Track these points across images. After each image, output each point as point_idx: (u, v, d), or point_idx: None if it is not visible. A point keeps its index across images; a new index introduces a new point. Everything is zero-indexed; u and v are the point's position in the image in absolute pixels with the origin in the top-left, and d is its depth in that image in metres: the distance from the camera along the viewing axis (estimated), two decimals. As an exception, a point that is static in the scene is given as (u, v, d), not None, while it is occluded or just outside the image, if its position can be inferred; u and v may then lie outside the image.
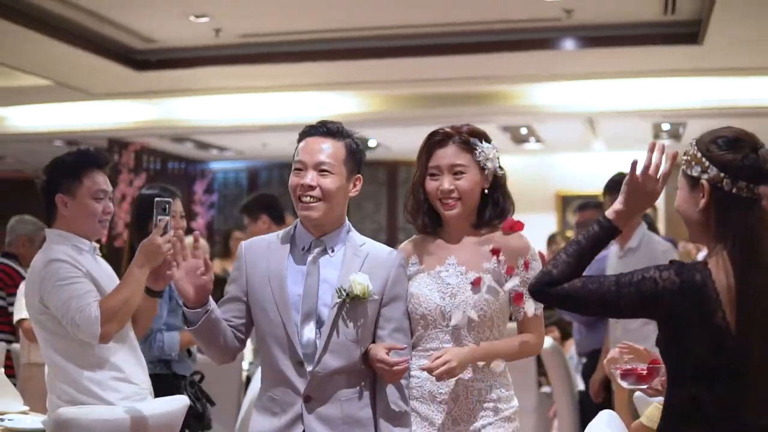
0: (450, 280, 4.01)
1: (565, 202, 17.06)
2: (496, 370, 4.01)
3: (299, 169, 3.90)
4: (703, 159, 3.11)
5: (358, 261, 3.93)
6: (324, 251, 3.94)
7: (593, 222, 3.41)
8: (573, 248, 3.28)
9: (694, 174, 3.15)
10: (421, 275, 4.08)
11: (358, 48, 11.45)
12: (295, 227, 4.03)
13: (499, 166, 4.12)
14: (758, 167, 3.10)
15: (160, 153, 18.14)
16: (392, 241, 17.81)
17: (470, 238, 4.13)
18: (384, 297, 3.94)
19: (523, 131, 15.72)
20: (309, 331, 3.86)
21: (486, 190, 4.10)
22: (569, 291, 3.26)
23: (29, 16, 9.98)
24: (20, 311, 7.03)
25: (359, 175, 4.02)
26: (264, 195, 8.75)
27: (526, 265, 4.02)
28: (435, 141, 4.08)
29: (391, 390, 3.92)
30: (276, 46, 11.62)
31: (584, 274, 3.19)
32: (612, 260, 7.00)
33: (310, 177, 3.86)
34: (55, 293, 4.60)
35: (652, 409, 4.41)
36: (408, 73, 12.45)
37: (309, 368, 3.84)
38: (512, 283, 4.00)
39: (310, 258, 3.92)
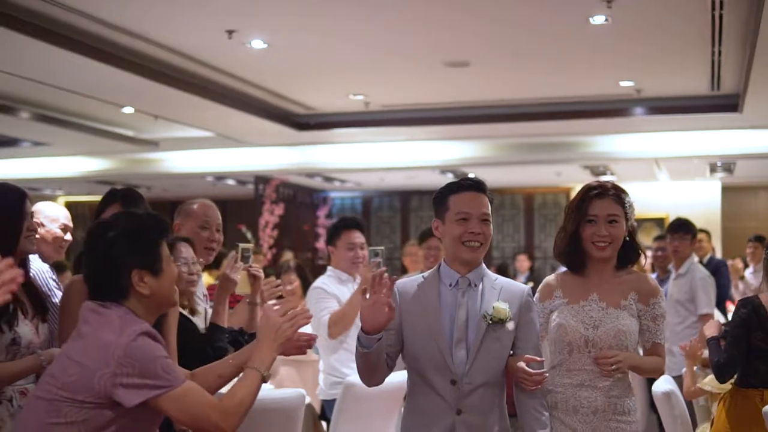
0: (593, 314, 4.46)
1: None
2: (625, 386, 4.51)
3: (465, 219, 4.24)
4: None
5: (496, 292, 4.25)
6: (469, 285, 4.26)
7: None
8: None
9: None
10: (566, 307, 4.52)
11: (470, 115, 14.04)
12: (439, 267, 4.37)
13: (634, 219, 4.57)
14: None
15: (293, 185, 20.62)
16: (530, 258, 20.26)
17: (610, 278, 4.55)
18: (519, 321, 4.26)
19: (601, 168, 17.90)
20: (461, 353, 4.17)
21: (626, 238, 4.53)
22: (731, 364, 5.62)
23: (213, 92, 12.51)
24: None
25: None
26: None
27: (656, 305, 4.54)
28: (593, 193, 4.52)
29: (532, 400, 4.29)
30: (406, 113, 14.26)
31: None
32: (670, 283, 9.12)
33: (476, 225, 4.24)
34: (313, 307, 6.86)
35: (710, 378, 6.41)
36: (509, 132, 15.02)
37: (460, 385, 4.15)
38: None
39: (458, 292, 4.25)
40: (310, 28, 9.72)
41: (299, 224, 21.05)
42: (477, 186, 4.31)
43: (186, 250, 4.99)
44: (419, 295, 4.28)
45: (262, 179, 19.17)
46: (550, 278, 4.74)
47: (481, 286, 4.27)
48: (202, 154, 17.99)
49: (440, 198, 4.33)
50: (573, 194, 20.69)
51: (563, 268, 4.83)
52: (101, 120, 15.16)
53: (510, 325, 4.20)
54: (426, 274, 4.41)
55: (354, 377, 5.94)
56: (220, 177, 19.64)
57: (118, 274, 3.42)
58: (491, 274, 4.36)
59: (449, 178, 18.64)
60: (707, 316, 8.72)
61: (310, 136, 15.54)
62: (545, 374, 4.18)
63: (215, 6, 8.94)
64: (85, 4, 8.95)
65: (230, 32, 9.65)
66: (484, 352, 4.16)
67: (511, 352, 4.27)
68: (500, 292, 4.25)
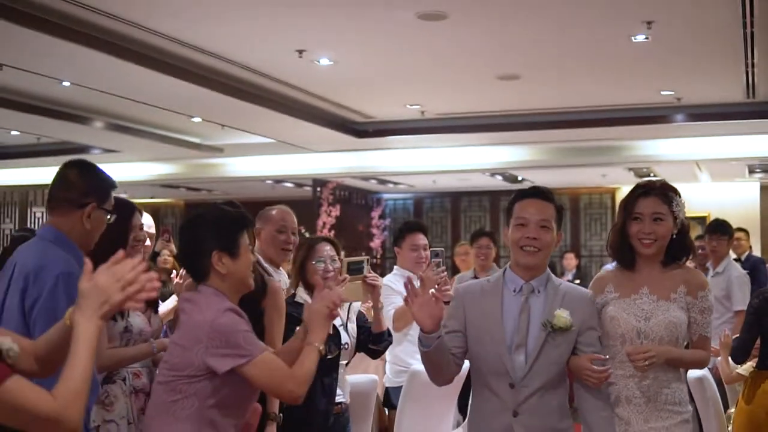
0: (644, 306, 4.44)
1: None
2: (677, 377, 4.50)
3: (522, 225, 4.32)
4: None
5: (559, 299, 4.27)
6: (532, 292, 4.30)
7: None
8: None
9: None
10: (618, 301, 4.50)
11: (520, 122, 14.62)
12: (504, 272, 4.41)
13: (685, 217, 4.60)
14: None
15: (348, 187, 21.28)
16: (577, 256, 20.61)
17: (659, 272, 4.54)
18: (581, 327, 4.29)
19: (644, 169, 18.40)
20: (519, 358, 4.20)
21: (674, 235, 4.54)
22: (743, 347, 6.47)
23: (279, 103, 13.24)
24: None
25: (560, 232, 4.43)
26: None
27: (704, 298, 4.52)
28: (639, 192, 4.56)
29: (596, 399, 4.36)
30: (460, 120, 14.91)
31: None
32: (708, 280, 9.60)
33: (533, 230, 4.30)
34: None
35: (749, 365, 6.78)
36: (557, 137, 15.61)
37: (518, 388, 4.19)
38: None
39: (522, 298, 4.29)
40: (373, 46, 10.46)
41: (354, 225, 21.62)
42: (539, 194, 4.40)
43: (329, 249, 5.66)
44: (483, 299, 4.35)
45: (319, 182, 19.83)
46: (601, 273, 4.82)
47: (544, 292, 4.32)
48: (264, 159, 18.67)
49: (509, 206, 4.44)
50: (618, 194, 21.41)
51: (610, 266, 5.03)
52: (170, 128, 15.89)
53: (571, 333, 4.26)
54: (492, 278, 4.49)
55: (418, 366, 6.42)
56: (278, 180, 20.32)
57: (202, 254, 3.95)
58: (556, 280, 4.41)
59: (498, 180, 19.45)
60: (742, 312, 9.11)
61: (367, 143, 16.21)
62: (609, 370, 4.24)
63: (289, 29, 9.70)
64: (163, 25, 9.67)
65: (300, 51, 10.43)
66: (543, 358, 4.21)
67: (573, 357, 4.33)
68: (563, 299, 4.30)
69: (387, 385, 7.60)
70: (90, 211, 4.31)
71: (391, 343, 5.86)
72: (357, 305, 5.91)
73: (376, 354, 5.88)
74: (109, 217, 4.41)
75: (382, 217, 22.78)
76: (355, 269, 4.99)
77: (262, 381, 3.92)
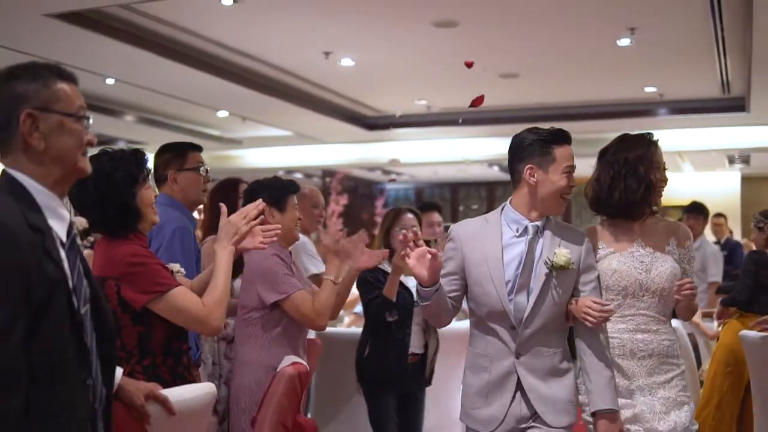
0: (643, 259, 4.33)
1: (662, 211, 20.41)
2: (672, 330, 4.43)
3: (570, 172, 4.16)
4: None
5: (557, 239, 4.16)
6: (536, 233, 4.16)
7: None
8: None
9: None
10: (615, 255, 4.38)
11: (518, 116, 15.63)
12: (502, 211, 4.27)
13: None
14: None
15: (354, 178, 22.46)
16: None
17: (649, 224, 4.44)
18: (581, 266, 4.19)
19: None
20: (522, 299, 4.10)
21: None
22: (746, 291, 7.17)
23: (299, 98, 14.38)
24: None
25: None
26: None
27: (690, 248, 4.47)
28: (654, 141, 4.47)
29: (593, 341, 4.19)
30: (462, 115, 15.82)
31: None
32: None
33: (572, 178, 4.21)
34: None
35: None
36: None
37: (520, 330, 4.09)
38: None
39: (527, 238, 4.14)
40: (392, 49, 11.71)
41: (360, 213, 22.68)
42: (570, 139, 4.25)
43: (411, 218, 6.24)
44: (483, 240, 4.20)
45: (328, 173, 20.98)
46: (588, 230, 4.51)
47: (543, 233, 4.18)
48: (278, 150, 19.84)
49: (542, 146, 4.18)
50: (606, 184, 22.58)
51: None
52: (195, 122, 17.07)
53: (572, 271, 4.15)
54: (488, 217, 4.33)
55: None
56: (289, 171, 21.15)
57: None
58: (552, 219, 4.27)
59: (495, 170, 20.55)
60: (715, 283, 10.52)
61: (375, 135, 17.43)
62: (609, 312, 4.12)
63: (319, 34, 10.94)
64: (206, 28, 10.78)
65: (327, 53, 11.74)
66: (546, 297, 4.10)
67: (573, 300, 4.22)
68: (561, 238, 4.19)
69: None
70: (173, 176, 5.22)
71: None
72: None
73: None
74: (202, 169, 5.27)
75: (385, 206, 23.45)
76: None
77: (294, 314, 4.72)
